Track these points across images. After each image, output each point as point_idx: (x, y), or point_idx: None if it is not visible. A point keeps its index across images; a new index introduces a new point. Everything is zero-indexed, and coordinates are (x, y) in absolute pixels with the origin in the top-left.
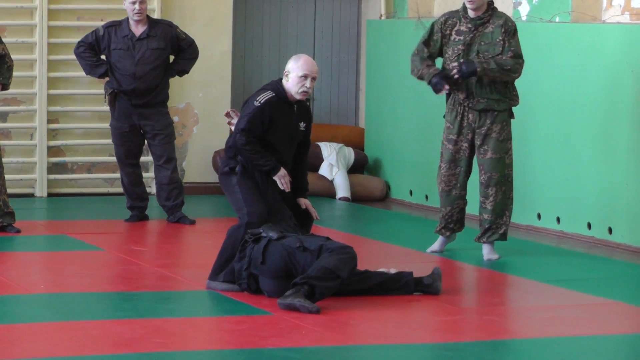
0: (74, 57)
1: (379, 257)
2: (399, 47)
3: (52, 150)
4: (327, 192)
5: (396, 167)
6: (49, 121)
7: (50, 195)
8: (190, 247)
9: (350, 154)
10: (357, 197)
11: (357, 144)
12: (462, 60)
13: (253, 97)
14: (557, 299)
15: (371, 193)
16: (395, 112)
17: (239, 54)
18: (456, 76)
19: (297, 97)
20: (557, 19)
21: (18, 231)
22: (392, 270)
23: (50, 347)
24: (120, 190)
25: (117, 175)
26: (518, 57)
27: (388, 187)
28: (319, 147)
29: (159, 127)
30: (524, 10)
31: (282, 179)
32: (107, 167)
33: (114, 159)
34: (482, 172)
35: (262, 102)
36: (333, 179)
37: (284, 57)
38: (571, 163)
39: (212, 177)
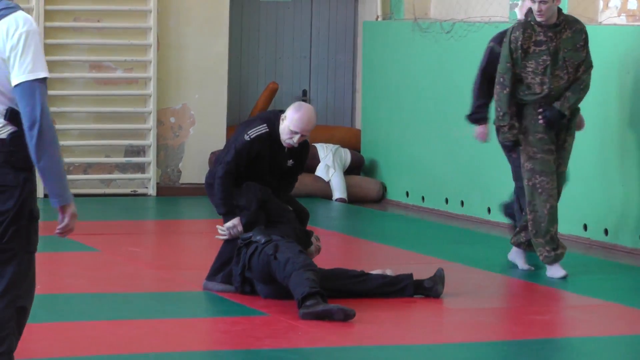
0: (69, 57)
1: (375, 258)
2: (395, 48)
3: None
4: (323, 193)
5: (392, 168)
6: None
7: (46, 196)
8: (186, 248)
9: (346, 155)
10: (353, 198)
11: (353, 145)
12: (542, 109)
13: (247, 126)
14: (554, 301)
15: (367, 194)
16: (391, 114)
17: (235, 55)
18: (542, 122)
19: (284, 143)
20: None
21: None
22: (389, 272)
23: (46, 347)
24: (117, 191)
25: (114, 176)
26: (589, 68)
27: (384, 188)
28: (315, 148)
29: None
30: (521, 12)
31: (230, 229)
32: (103, 168)
33: (110, 159)
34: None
35: (252, 137)
36: (329, 180)
37: (280, 59)
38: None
39: None
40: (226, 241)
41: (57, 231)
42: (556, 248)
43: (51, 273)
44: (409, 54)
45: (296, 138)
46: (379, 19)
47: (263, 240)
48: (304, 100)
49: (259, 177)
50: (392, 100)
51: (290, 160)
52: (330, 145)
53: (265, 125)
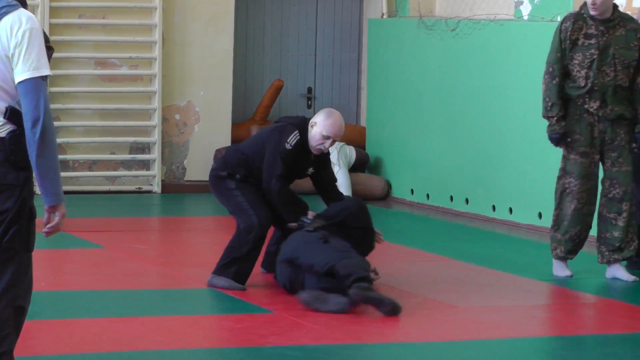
0: (74, 54)
1: (379, 255)
2: (400, 46)
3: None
4: None
5: (397, 165)
6: None
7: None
8: (190, 244)
9: (351, 152)
10: (358, 196)
11: (358, 142)
12: (636, 138)
13: (281, 133)
14: (556, 298)
15: (372, 192)
16: (396, 111)
17: (240, 52)
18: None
19: (313, 150)
20: (559, 18)
21: None
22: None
23: (51, 344)
24: (122, 188)
25: (119, 173)
26: None
27: (389, 185)
28: None
29: None
30: (526, 9)
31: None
32: (108, 165)
33: (115, 156)
34: (616, 185)
35: (292, 144)
36: None
37: (285, 56)
38: None
39: None
40: (233, 238)
41: (46, 230)
42: (572, 252)
43: (55, 270)
44: (414, 51)
45: (328, 143)
46: (385, 17)
47: (312, 228)
48: (309, 98)
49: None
50: (397, 98)
51: (311, 168)
52: (335, 143)
53: (298, 132)
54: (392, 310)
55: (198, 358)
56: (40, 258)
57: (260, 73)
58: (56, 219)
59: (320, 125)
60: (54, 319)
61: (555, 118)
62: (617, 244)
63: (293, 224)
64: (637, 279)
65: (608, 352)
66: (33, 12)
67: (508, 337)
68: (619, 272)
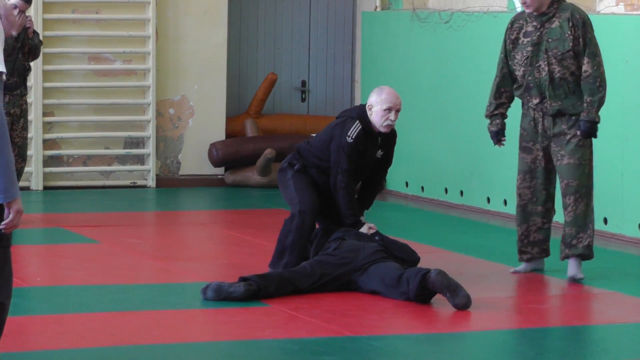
0: (68, 50)
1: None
2: (394, 38)
3: (47, 143)
4: None
5: None
6: (44, 114)
7: (46, 188)
8: (185, 239)
9: None
10: None
11: None
12: (578, 126)
13: (342, 127)
14: (550, 289)
15: None
16: None
17: (234, 46)
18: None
19: (382, 130)
20: None
21: None
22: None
23: (47, 339)
24: (117, 183)
25: (113, 167)
26: (594, 57)
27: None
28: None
29: None
30: (519, 1)
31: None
32: (102, 160)
33: (109, 151)
34: (561, 179)
35: (354, 137)
36: None
37: (279, 49)
38: None
39: (208, 169)
40: (281, 230)
41: (1, 227)
42: (523, 252)
43: (51, 265)
44: (407, 44)
45: (392, 115)
46: (378, 10)
47: (339, 235)
48: (303, 91)
49: (355, 173)
50: None
51: (380, 151)
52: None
53: (358, 122)
54: (465, 303)
55: (194, 352)
56: (36, 253)
57: (254, 66)
58: (10, 215)
59: (377, 103)
60: (49, 314)
61: (490, 116)
62: (568, 240)
63: (348, 220)
64: (582, 277)
65: (602, 343)
66: None
67: (502, 328)
68: (571, 268)
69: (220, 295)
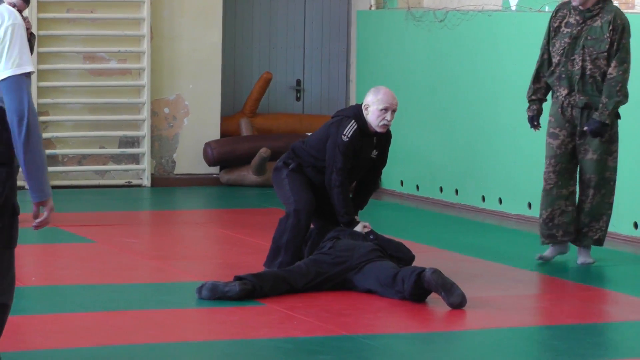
0: (63, 49)
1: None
2: (389, 37)
3: (42, 143)
4: None
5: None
6: (39, 113)
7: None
8: (181, 238)
9: None
10: None
11: None
12: (587, 124)
13: (338, 126)
14: (545, 288)
15: None
16: None
17: (229, 45)
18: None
19: (378, 129)
20: (547, 9)
21: None
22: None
23: (42, 339)
24: (112, 182)
25: (108, 167)
26: (622, 63)
27: None
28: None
29: None
30: (514, 0)
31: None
32: (97, 160)
33: (104, 151)
34: (582, 172)
35: (349, 136)
36: None
37: (274, 48)
38: None
39: (203, 168)
40: (277, 228)
41: (35, 224)
42: (547, 236)
43: (46, 264)
44: (402, 43)
45: (388, 115)
46: (373, 8)
47: (334, 234)
48: (298, 91)
49: (350, 172)
50: None
51: (375, 151)
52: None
53: (354, 121)
54: (460, 302)
55: (190, 351)
56: (31, 253)
57: (249, 66)
58: (45, 213)
59: (373, 103)
60: (45, 313)
61: (528, 100)
62: (580, 227)
63: (343, 219)
64: (593, 261)
65: (598, 341)
66: None
67: (498, 327)
68: (581, 256)
69: (216, 295)
